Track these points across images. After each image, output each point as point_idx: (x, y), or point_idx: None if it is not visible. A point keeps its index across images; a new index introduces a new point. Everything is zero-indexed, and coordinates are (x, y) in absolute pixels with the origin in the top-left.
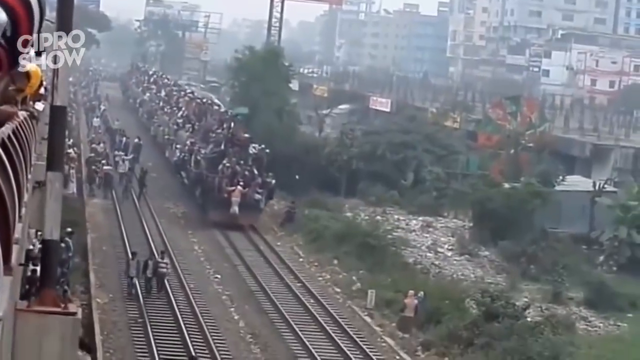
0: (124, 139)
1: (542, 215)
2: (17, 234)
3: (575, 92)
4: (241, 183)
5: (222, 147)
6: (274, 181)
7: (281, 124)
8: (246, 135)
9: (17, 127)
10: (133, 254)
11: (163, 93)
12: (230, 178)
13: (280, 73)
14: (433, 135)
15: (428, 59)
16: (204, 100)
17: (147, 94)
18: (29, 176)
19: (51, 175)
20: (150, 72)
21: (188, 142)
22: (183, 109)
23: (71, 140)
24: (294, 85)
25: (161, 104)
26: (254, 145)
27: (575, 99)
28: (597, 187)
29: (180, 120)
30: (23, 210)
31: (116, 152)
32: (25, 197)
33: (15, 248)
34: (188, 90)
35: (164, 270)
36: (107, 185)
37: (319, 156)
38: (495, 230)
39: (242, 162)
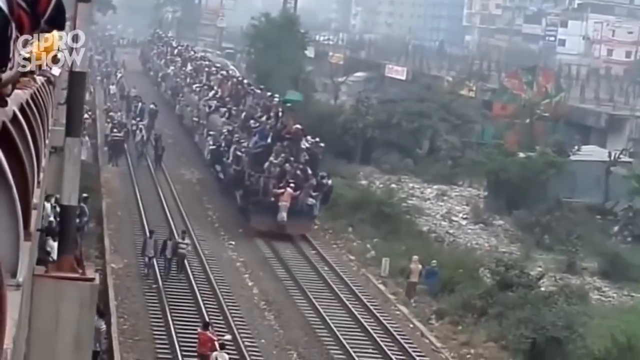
0: (140, 104)
1: (557, 185)
2: (35, 199)
3: (591, 62)
4: (291, 184)
5: (269, 140)
6: (330, 182)
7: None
8: (298, 126)
9: (35, 92)
10: (150, 232)
11: (189, 67)
12: (279, 178)
13: (296, 40)
14: (448, 104)
15: (444, 28)
16: (242, 79)
17: (171, 67)
18: (47, 141)
19: (70, 141)
20: (174, 43)
21: (224, 130)
22: (216, 88)
23: (86, 107)
24: (310, 52)
25: (188, 80)
26: (307, 138)
27: (591, 69)
28: (612, 157)
29: (213, 102)
30: (41, 175)
31: (132, 121)
32: (43, 162)
33: (33, 213)
34: (217, 64)
35: (184, 251)
36: (122, 152)
37: (334, 124)
38: (509, 200)
39: (292, 158)
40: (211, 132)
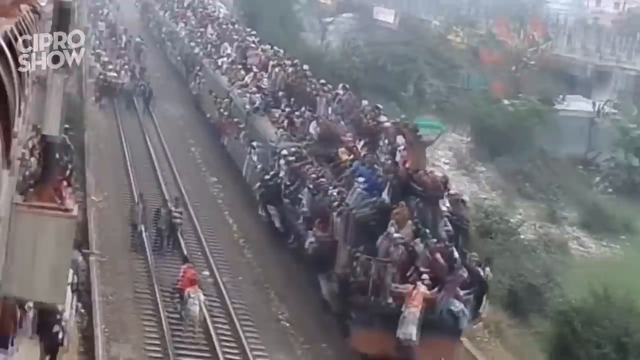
0: (124, 37)
1: (541, 135)
2: (16, 129)
3: (580, 13)
4: (425, 276)
5: (385, 195)
6: (487, 271)
7: (283, 30)
8: (437, 174)
9: (20, 21)
10: (140, 196)
11: (210, 31)
12: (404, 266)
13: None
14: (435, 49)
15: None
16: (302, 68)
17: (181, 25)
18: (30, 71)
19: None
20: None
21: (284, 152)
22: (258, 72)
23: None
24: None
25: (209, 48)
26: (451, 194)
27: (579, 20)
28: (596, 108)
29: (256, 96)
30: (23, 104)
31: (117, 60)
32: (26, 91)
33: (14, 142)
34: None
35: (179, 220)
36: (110, 93)
37: (320, 64)
38: (493, 147)
39: (427, 231)
40: (256, 144)
